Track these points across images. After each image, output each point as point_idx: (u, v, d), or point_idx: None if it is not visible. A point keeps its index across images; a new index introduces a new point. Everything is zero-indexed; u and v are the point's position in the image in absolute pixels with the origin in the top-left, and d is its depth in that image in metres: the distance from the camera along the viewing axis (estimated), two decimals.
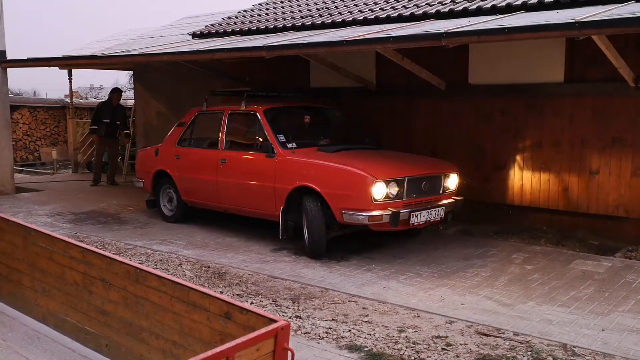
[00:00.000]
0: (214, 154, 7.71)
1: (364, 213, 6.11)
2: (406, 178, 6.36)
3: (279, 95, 8.32)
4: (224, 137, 7.68)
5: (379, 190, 6.13)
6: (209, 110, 8.13)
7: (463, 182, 7.72)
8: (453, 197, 6.94)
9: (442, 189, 6.80)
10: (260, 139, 7.21)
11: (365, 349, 4.12)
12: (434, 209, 6.52)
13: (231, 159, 7.50)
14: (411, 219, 6.27)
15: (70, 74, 13.89)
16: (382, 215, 6.09)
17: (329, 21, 8.67)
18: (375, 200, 6.11)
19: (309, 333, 4.42)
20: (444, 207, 6.66)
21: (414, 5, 8.16)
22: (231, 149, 7.61)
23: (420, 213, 6.37)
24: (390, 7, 8.46)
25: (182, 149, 8.21)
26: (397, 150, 7.91)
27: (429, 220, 6.52)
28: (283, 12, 10.34)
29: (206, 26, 11.12)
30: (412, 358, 3.99)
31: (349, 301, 5.15)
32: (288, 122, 7.67)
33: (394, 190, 6.23)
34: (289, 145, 6.99)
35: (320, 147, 7.13)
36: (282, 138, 7.05)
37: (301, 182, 6.59)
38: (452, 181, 6.94)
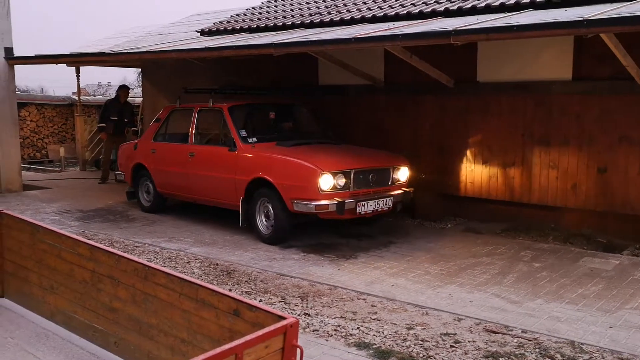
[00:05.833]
0: (184, 148, 8.20)
1: (312, 202, 6.52)
2: (353, 170, 6.74)
3: (247, 92, 8.86)
4: (193, 132, 8.16)
5: (326, 181, 6.54)
6: (181, 107, 8.61)
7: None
8: (403, 189, 7.27)
9: (390, 180, 7.16)
10: (225, 134, 7.63)
11: (374, 346, 4.12)
12: (381, 199, 6.90)
13: (199, 152, 7.97)
14: (358, 208, 6.66)
15: (78, 71, 13.94)
16: (328, 204, 6.51)
17: (338, 19, 8.66)
18: (322, 191, 6.52)
19: (318, 330, 4.42)
20: (392, 198, 7.03)
21: (422, 3, 8.13)
22: (199, 144, 8.14)
23: (367, 203, 6.75)
24: (399, 5, 8.45)
25: (157, 143, 8.70)
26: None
27: (377, 210, 6.89)
28: (292, 10, 10.34)
29: (214, 23, 11.12)
30: (421, 355, 3.99)
31: (357, 299, 5.16)
32: (253, 119, 8.16)
33: (341, 181, 6.65)
34: (250, 140, 7.42)
35: (279, 142, 7.44)
36: (243, 133, 7.49)
37: (258, 174, 6.99)
38: (402, 173, 7.34)
